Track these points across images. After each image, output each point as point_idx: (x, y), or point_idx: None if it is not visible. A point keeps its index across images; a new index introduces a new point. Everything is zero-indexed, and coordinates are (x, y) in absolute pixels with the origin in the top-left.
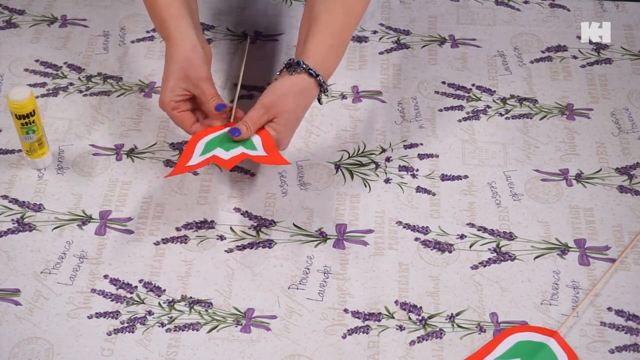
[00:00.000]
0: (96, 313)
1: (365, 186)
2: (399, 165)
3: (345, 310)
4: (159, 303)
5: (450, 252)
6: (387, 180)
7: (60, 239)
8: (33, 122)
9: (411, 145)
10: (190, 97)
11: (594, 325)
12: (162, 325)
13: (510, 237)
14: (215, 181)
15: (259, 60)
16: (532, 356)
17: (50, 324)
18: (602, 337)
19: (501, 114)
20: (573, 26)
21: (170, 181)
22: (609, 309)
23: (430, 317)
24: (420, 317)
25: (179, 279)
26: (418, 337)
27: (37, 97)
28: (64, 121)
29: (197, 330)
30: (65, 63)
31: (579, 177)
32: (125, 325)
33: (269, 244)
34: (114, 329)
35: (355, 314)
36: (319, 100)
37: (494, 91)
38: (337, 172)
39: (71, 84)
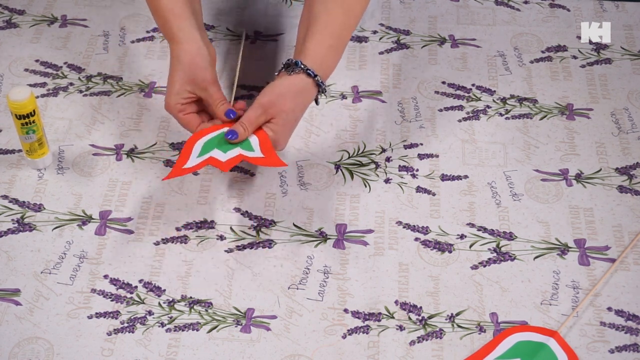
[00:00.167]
0: (96, 313)
1: (365, 186)
2: (399, 165)
3: (345, 310)
4: (159, 303)
5: (450, 252)
6: (387, 180)
7: (60, 239)
8: (33, 122)
9: (411, 145)
10: (196, 100)
11: (594, 325)
12: (162, 325)
13: (510, 237)
14: (215, 181)
15: (259, 60)
16: (532, 356)
17: (50, 324)
18: (602, 337)
19: (501, 114)
20: (573, 26)
21: (170, 181)
22: (609, 309)
23: (430, 317)
24: (420, 317)
25: (179, 279)
26: (418, 337)
27: (37, 97)
28: (64, 121)
29: (197, 330)
30: (65, 63)
31: (579, 177)
32: (125, 325)
33: (269, 244)
34: (114, 329)
35: (355, 314)
36: (316, 101)
37: (494, 91)
38: (337, 172)
39: (71, 84)
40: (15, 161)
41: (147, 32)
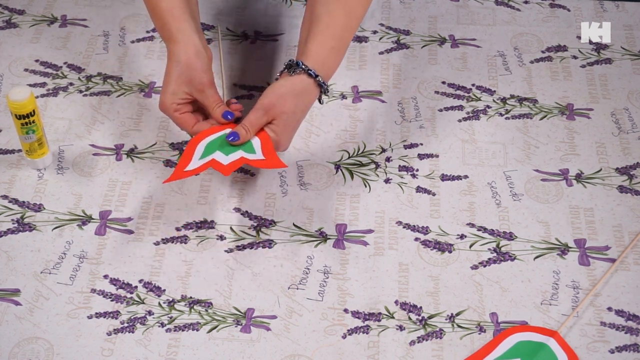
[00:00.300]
0: (96, 313)
1: (365, 186)
2: (399, 165)
3: (345, 310)
4: (159, 303)
5: (450, 252)
6: (387, 180)
7: (60, 239)
8: (33, 122)
9: (411, 145)
10: (191, 100)
11: (594, 325)
12: (162, 325)
13: (510, 237)
14: (215, 181)
15: (259, 60)
16: (532, 356)
17: (50, 324)
18: (602, 337)
19: (501, 114)
20: (573, 26)
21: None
22: (609, 309)
23: (430, 317)
24: (420, 317)
25: (179, 279)
26: (418, 337)
27: (37, 97)
28: (64, 121)
29: (197, 330)
30: (65, 63)
31: (579, 177)
32: (125, 325)
33: (269, 244)
34: (114, 329)
35: (355, 314)
36: (319, 100)
37: (494, 91)
38: (337, 172)
39: (71, 84)
40: (15, 161)
41: (147, 32)
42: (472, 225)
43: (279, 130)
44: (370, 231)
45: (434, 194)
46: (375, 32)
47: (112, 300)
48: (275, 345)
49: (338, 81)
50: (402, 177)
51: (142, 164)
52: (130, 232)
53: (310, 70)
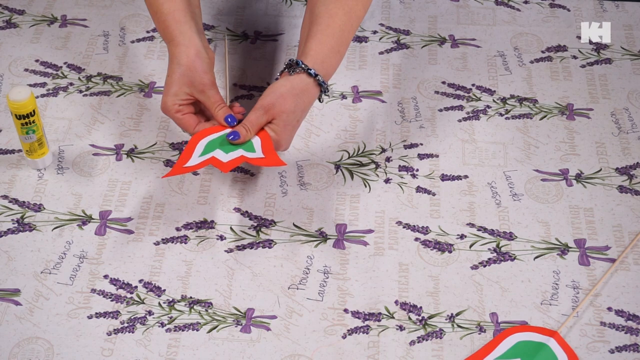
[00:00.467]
0: (96, 313)
1: (365, 186)
2: (399, 165)
3: (345, 310)
4: (159, 303)
5: (450, 252)
6: (387, 180)
7: (60, 239)
8: (33, 122)
9: (411, 145)
10: (193, 101)
11: (594, 325)
12: (162, 325)
13: (510, 237)
14: (215, 181)
15: (259, 60)
16: (532, 356)
17: (50, 324)
18: (602, 337)
19: (501, 114)
20: (573, 26)
21: (170, 181)
22: (609, 309)
23: (430, 317)
24: (420, 317)
25: (179, 279)
26: (418, 337)
27: (37, 97)
28: (64, 121)
29: (197, 330)
30: (65, 63)
31: (579, 177)
32: (125, 325)
33: (269, 244)
34: (114, 329)
35: (355, 314)
36: (319, 98)
37: (494, 91)
38: (337, 172)
39: (71, 84)
40: (15, 161)
41: (147, 32)
42: (472, 225)
43: (279, 130)
44: (370, 231)
45: (434, 194)
46: (375, 32)
47: (112, 300)
48: (275, 345)
49: (338, 81)
50: (402, 177)
51: (142, 164)
52: (130, 232)
53: (310, 70)
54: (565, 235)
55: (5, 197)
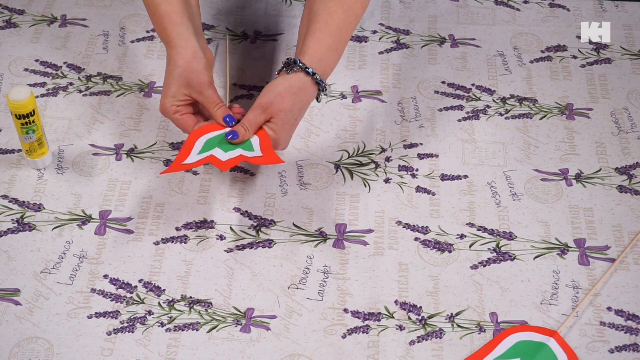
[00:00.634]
0: (96, 313)
1: (365, 186)
2: (399, 165)
3: (345, 310)
4: (159, 303)
5: (450, 252)
6: (387, 180)
7: (60, 239)
8: (33, 122)
9: (411, 145)
10: (191, 102)
11: (594, 325)
12: (162, 325)
13: (510, 237)
14: (215, 181)
15: (259, 60)
16: (532, 356)
17: (50, 324)
18: (602, 337)
19: (501, 114)
20: (573, 26)
21: (171, 181)
22: (609, 309)
23: (430, 317)
24: (420, 317)
25: (179, 279)
26: (418, 337)
27: (37, 97)
28: (64, 121)
29: (197, 330)
30: (65, 63)
31: (579, 177)
32: (125, 325)
33: (269, 244)
34: (114, 329)
35: (355, 314)
36: (317, 98)
37: (494, 91)
38: (337, 172)
39: (71, 84)
40: (15, 161)
41: (147, 32)
42: (472, 225)
43: (277, 129)
44: (370, 231)
45: (434, 194)
46: (375, 32)
47: (112, 300)
48: (275, 345)
49: (338, 81)
50: (402, 177)
51: (142, 164)
52: (130, 232)
53: (308, 69)
54: (565, 235)
55: (5, 197)
